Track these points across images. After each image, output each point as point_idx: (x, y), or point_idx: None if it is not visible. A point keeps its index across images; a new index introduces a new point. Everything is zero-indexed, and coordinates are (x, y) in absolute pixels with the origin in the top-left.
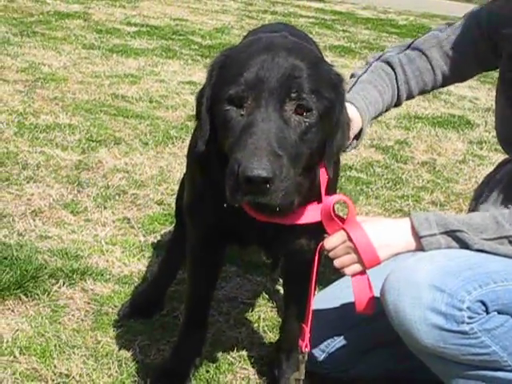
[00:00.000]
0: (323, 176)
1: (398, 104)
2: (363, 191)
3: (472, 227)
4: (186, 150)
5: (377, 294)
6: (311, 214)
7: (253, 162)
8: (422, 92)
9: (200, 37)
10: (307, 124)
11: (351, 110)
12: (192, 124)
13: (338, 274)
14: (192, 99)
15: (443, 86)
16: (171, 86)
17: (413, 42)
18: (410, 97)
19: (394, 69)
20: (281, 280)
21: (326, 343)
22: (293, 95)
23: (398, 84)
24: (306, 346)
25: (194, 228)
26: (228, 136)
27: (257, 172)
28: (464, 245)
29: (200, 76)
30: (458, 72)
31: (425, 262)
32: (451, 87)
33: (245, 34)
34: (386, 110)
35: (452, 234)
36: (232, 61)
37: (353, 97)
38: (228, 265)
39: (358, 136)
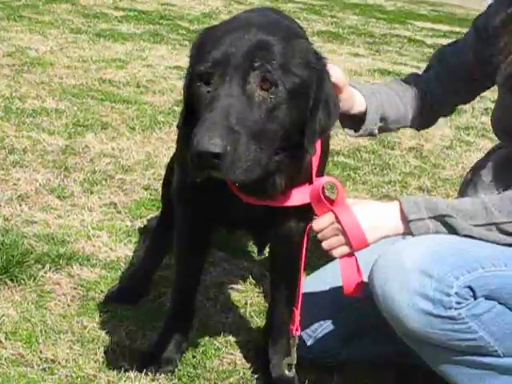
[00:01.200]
0: (315, 159)
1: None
2: (350, 177)
3: (461, 212)
4: (173, 136)
5: (365, 277)
6: (300, 196)
7: (204, 137)
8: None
9: (188, 22)
10: (273, 100)
11: (347, 92)
12: (179, 109)
13: (325, 259)
14: (180, 84)
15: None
16: (159, 70)
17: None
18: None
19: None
20: (267, 265)
21: (313, 327)
22: (255, 65)
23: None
24: (297, 330)
25: (182, 212)
26: (199, 112)
27: (206, 146)
28: (452, 230)
29: (187, 61)
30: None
31: (413, 247)
32: None
33: None
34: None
35: (441, 218)
36: (207, 39)
37: (357, 85)
38: (215, 250)
39: (360, 122)
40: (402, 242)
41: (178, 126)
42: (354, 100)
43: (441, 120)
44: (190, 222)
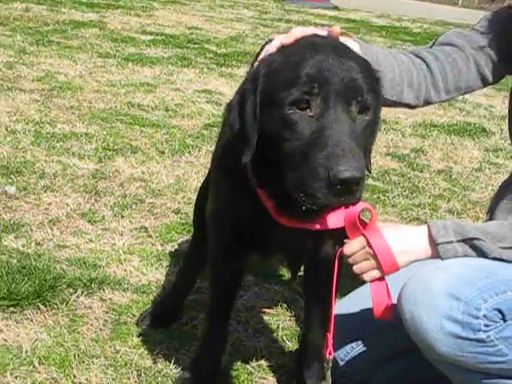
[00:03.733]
0: None
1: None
2: (380, 199)
3: (490, 235)
4: (202, 159)
5: (395, 300)
6: (337, 219)
7: (344, 165)
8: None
9: (215, 45)
10: (366, 122)
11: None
12: (208, 133)
13: (358, 282)
14: (208, 108)
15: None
16: (187, 94)
17: (436, 40)
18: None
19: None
20: (299, 289)
21: (345, 351)
22: (358, 97)
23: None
24: (330, 353)
25: (216, 237)
26: (293, 139)
27: (351, 173)
28: (481, 253)
29: (215, 84)
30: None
31: (441, 271)
32: (466, 95)
33: (260, 42)
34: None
35: (469, 241)
36: (282, 65)
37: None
38: (246, 274)
39: None
40: (430, 265)
41: (243, 163)
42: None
43: (469, 142)
44: (224, 247)
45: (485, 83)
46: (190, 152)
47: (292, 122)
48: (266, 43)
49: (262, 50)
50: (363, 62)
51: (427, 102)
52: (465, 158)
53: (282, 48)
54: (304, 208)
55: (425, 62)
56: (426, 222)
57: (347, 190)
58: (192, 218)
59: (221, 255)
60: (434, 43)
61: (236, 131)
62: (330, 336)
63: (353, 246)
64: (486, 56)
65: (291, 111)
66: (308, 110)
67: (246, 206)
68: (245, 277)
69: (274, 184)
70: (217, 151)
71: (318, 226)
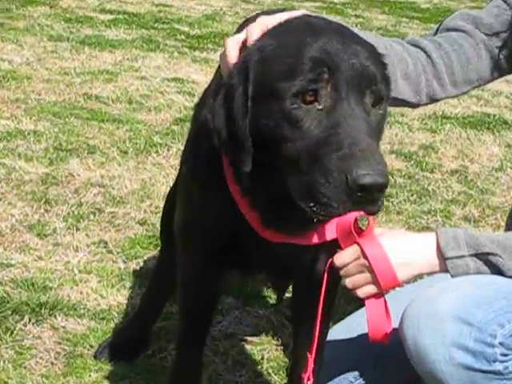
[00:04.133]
0: None
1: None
2: (383, 205)
3: (508, 250)
4: (172, 160)
5: (396, 324)
6: (330, 230)
7: (365, 168)
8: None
9: (187, 25)
10: (380, 116)
11: None
12: (179, 128)
13: (356, 303)
14: (179, 99)
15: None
16: (154, 83)
17: (441, 25)
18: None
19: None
20: (287, 313)
21: (337, 382)
22: (372, 87)
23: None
24: (309, 379)
25: (187, 253)
26: (297, 139)
27: (373, 179)
28: (497, 270)
29: (188, 71)
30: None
31: (449, 291)
32: None
33: (240, 21)
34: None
35: (483, 256)
36: (279, 50)
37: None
38: (224, 295)
39: None
40: (436, 284)
41: (245, 171)
42: None
43: (488, 137)
44: (196, 266)
45: (501, 73)
46: (157, 152)
47: (296, 118)
48: (244, 23)
49: (238, 31)
50: (369, 45)
51: (432, 99)
52: (483, 156)
53: (271, 31)
54: (297, 219)
55: (424, 51)
56: (434, 231)
57: (369, 198)
58: (159, 229)
59: (193, 275)
60: (437, 29)
61: (224, 139)
62: (312, 358)
63: (345, 256)
64: (501, 41)
65: (295, 105)
66: (316, 103)
67: (222, 216)
68: (222, 299)
69: (263, 191)
70: (186, 152)
71: (312, 240)
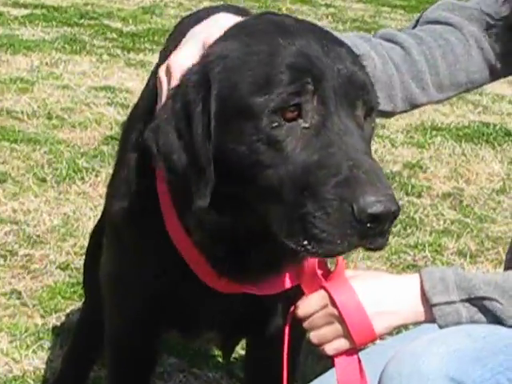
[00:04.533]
0: None
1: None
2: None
3: (508, 293)
4: (101, 188)
5: None
6: (292, 275)
7: (374, 193)
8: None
9: (120, 20)
10: (371, 129)
11: None
12: (110, 149)
13: (327, 361)
14: (110, 112)
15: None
16: (79, 93)
17: (420, 17)
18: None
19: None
20: (241, 374)
21: None
22: (364, 97)
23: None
24: None
25: (117, 308)
26: (279, 164)
27: (384, 206)
28: (495, 318)
29: (120, 78)
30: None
31: (437, 344)
32: None
33: (185, 14)
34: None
35: (478, 302)
36: (247, 57)
37: None
38: (165, 355)
39: None
40: (421, 337)
41: (198, 207)
42: None
43: (487, 152)
44: (128, 321)
45: (495, 75)
46: (83, 178)
47: (277, 139)
48: (178, 27)
49: (176, 29)
50: (347, 46)
51: (411, 104)
52: (481, 175)
53: (231, 33)
54: (265, 263)
55: (401, 46)
56: (419, 272)
57: (378, 230)
58: (83, 276)
59: (124, 333)
60: (417, 22)
61: (181, 170)
62: None
63: (310, 304)
64: (494, 36)
65: (275, 124)
66: (300, 120)
67: (161, 266)
68: (163, 360)
69: (221, 231)
70: (115, 183)
71: (268, 289)
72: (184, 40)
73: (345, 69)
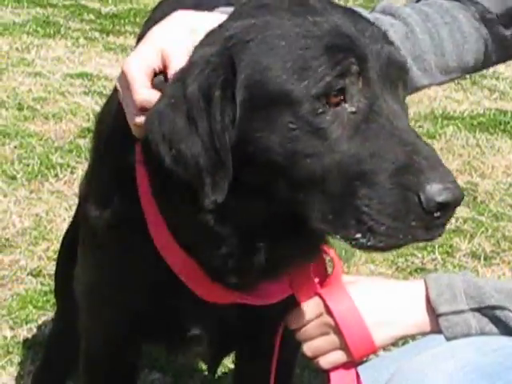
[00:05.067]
0: None
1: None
2: None
3: None
4: (76, 186)
5: None
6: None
7: (440, 180)
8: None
9: (98, 0)
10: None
11: None
12: (86, 142)
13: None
14: (86, 102)
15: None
16: (53, 81)
17: None
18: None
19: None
20: None
21: None
22: (404, 76)
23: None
24: None
25: (94, 320)
26: (325, 153)
27: (454, 193)
28: (507, 330)
29: (98, 64)
30: None
31: (444, 359)
32: (500, 67)
33: None
34: None
35: (489, 311)
36: (272, 37)
37: None
38: (147, 370)
39: None
40: (427, 350)
41: (211, 202)
42: None
43: (504, 143)
44: (106, 335)
45: (508, 54)
46: (57, 175)
47: (322, 126)
48: (164, 2)
49: (155, 12)
50: (375, 24)
51: (410, 88)
52: (497, 169)
53: (244, 10)
54: (276, 263)
55: (404, 22)
56: (425, 278)
57: (443, 220)
58: (54, 284)
59: (102, 349)
60: None
61: (191, 161)
62: None
63: (303, 313)
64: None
65: (320, 110)
66: (345, 105)
67: (144, 276)
68: (145, 374)
69: (226, 229)
70: (91, 183)
71: (264, 298)
72: (141, 43)
73: (383, 48)
